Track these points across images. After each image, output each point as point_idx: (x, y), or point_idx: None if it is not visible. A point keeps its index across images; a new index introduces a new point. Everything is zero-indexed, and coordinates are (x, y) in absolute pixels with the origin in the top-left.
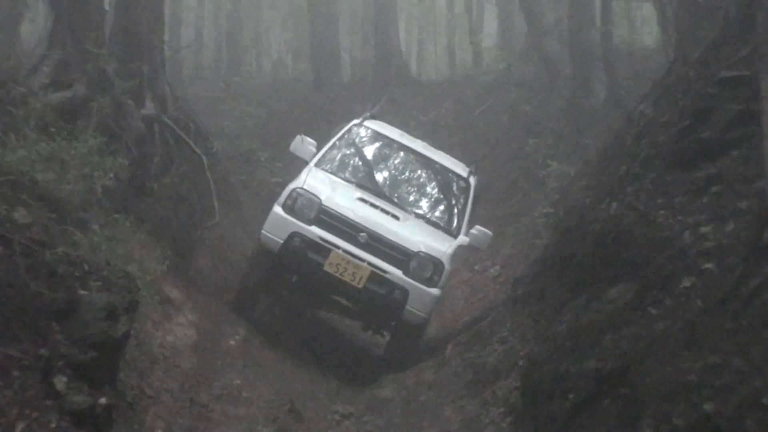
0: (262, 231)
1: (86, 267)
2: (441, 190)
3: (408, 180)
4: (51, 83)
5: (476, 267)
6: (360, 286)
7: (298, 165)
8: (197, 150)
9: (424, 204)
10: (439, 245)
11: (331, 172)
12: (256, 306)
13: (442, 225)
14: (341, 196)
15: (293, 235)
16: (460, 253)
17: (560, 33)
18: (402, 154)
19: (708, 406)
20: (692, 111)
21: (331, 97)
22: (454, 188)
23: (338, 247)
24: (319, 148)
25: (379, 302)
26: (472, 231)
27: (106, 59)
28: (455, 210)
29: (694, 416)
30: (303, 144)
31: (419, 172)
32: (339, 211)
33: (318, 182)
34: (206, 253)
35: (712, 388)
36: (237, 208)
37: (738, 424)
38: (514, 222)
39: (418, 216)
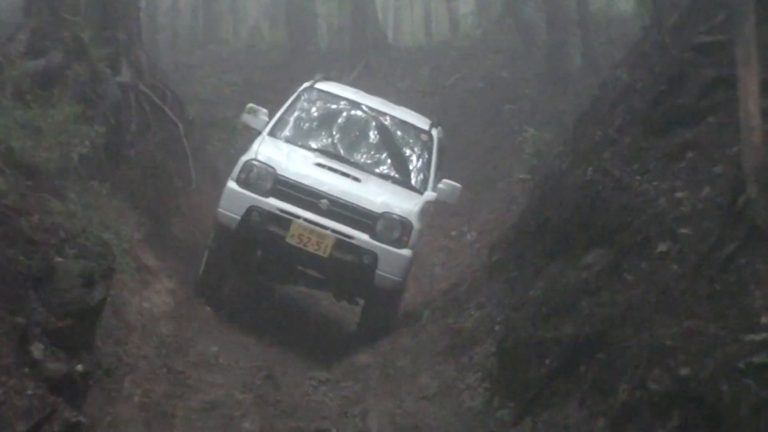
0: (218, 209)
1: (62, 234)
2: (403, 146)
3: (367, 139)
4: (27, 51)
5: (453, 233)
6: (326, 255)
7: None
8: (174, 117)
9: (386, 162)
10: (405, 204)
11: (285, 140)
12: (222, 288)
13: (406, 182)
14: (297, 164)
15: (251, 210)
16: (429, 209)
17: None
18: (359, 113)
19: (684, 371)
20: (668, 77)
21: (307, 65)
22: (417, 143)
23: (299, 217)
24: (271, 116)
25: (347, 270)
26: (440, 185)
27: (82, 27)
28: (419, 165)
29: (669, 381)
30: (254, 114)
31: (378, 129)
32: (296, 179)
33: (271, 151)
34: (183, 221)
35: (688, 352)
36: (213, 175)
37: (713, 389)
38: (490, 188)
39: (380, 176)
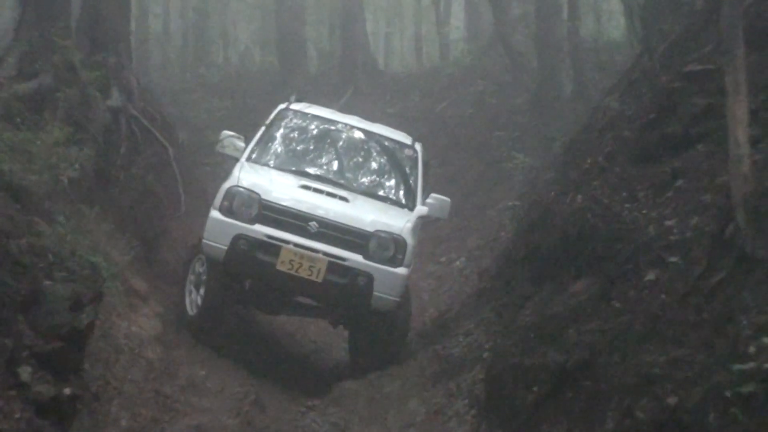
0: (203, 240)
1: (51, 257)
2: (387, 162)
3: (350, 157)
4: (17, 74)
5: (442, 259)
6: (319, 280)
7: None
8: (163, 141)
9: (372, 180)
10: (396, 221)
11: (265, 164)
12: (221, 328)
13: (395, 199)
14: (281, 187)
15: (237, 238)
16: (420, 225)
17: (527, 26)
18: (338, 131)
19: (671, 400)
20: (657, 105)
21: (297, 89)
22: (401, 158)
23: (288, 242)
24: (248, 142)
25: (343, 294)
26: (428, 200)
27: (73, 50)
28: (406, 181)
29: (657, 410)
30: (230, 141)
31: (360, 147)
32: (282, 203)
33: (254, 177)
34: (172, 245)
35: (676, 381)
36: (203, 199)
37: (701, 418)
38: (479, 214)
39: (367, 194)
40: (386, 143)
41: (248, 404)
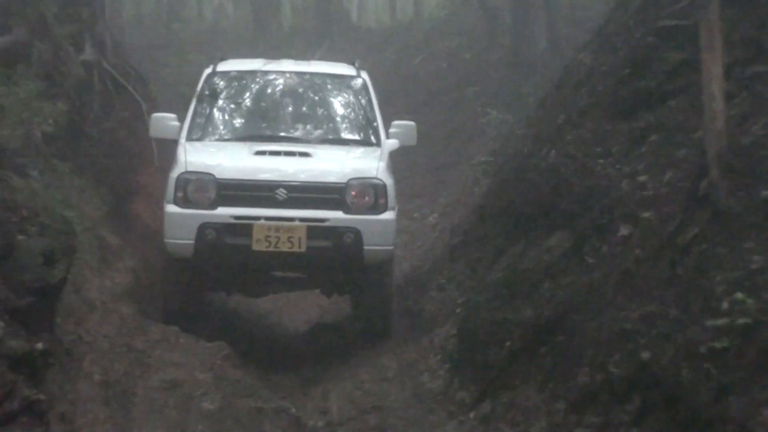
0: (165, 240)
1: (24, 212)
2: (338, 100)
3: (298, 107)
4: None
5: (415, 215)
6: (302, 249)
7: None
8: (137, 96)
9: (329, 124)
10: (368, 163)
11: (209, 139)
12: (188, 314)
13: (359, 139)
14: (234, 159)
15: (202, 228)
16: (394, 161)
17: None
18: (276, 81)
19: (644, 355)
20: (632, 60)
21: (271, 45)
22: (350, 92)
23: (259, 218)
24: (182, 119)
25: (332, 257)
26: (392, 129)
27: (47, 4)
28: (364, 115)
29: (630, 365)
30: (162, 122)
31: (304, 92)
32: (240, 176)
33: (201, 156)
34: (145, 200)
35: (649, 336)
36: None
37: (674, 373)
38: (453, 170)
39: (328, 141)
40: (330, 79)
41: (221, 358)
